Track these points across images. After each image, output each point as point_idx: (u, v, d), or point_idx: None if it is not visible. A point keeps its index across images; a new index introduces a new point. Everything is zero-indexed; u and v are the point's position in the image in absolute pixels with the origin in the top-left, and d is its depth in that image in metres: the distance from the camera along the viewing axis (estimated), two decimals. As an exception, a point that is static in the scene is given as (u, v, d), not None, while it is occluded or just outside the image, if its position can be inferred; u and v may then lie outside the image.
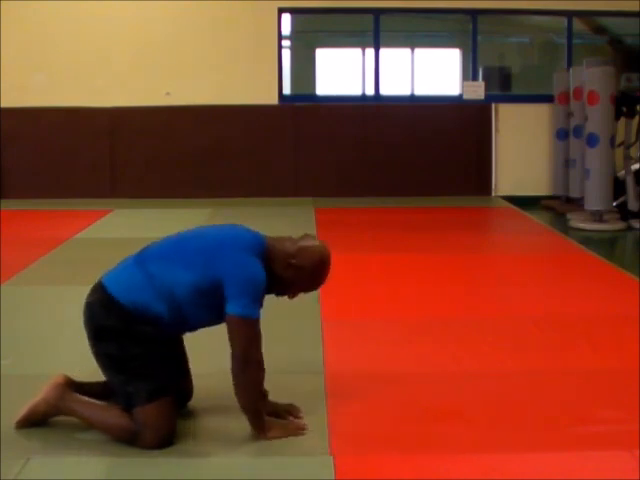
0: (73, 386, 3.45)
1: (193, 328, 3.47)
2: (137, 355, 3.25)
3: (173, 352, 3.47)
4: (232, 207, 9.63)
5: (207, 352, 4.46)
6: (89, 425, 3.35)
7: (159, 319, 3.28)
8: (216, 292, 3.25)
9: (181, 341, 3.59)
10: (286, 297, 3.56)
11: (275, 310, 5.36)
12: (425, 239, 7.81)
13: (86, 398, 3.39)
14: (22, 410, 3.41)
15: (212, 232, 3.48)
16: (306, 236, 3.53)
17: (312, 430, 3.40)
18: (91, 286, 3.41)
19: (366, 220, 8.95)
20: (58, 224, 8.64)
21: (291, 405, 3.58)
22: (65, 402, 3.37)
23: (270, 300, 5.59)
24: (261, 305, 3.34)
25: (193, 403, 3.72)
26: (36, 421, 3.40)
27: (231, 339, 3.24)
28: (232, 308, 3.22)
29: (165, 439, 3.24)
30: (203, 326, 3.47)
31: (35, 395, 3.43)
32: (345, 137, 10.45)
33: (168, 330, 3.35)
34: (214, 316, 3.34)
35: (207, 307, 3.32)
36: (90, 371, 3.51)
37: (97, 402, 3.40)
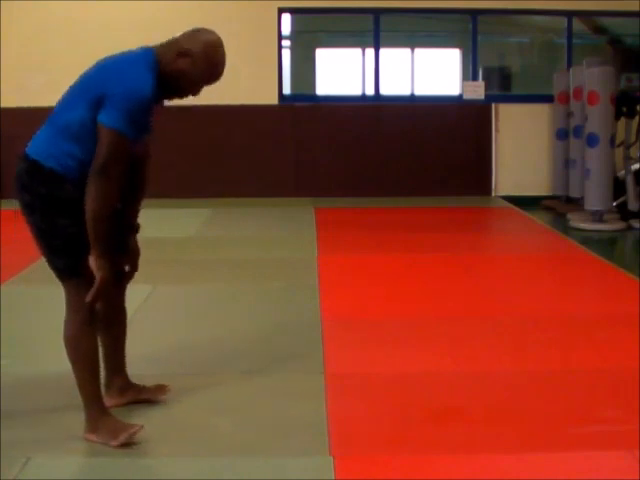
0: None
1: None
2: (62, 226, 3.20)
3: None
4: (232, 207, 9.64)
5: (195, 352, 4.46)
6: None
7: (77, 160, 3.20)
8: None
9: (126, 217, 3.50)
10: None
11: (275, 310, 5.40)
12: (425, 239, 7.81)
13: None
14: None
15: (103, 61, 3.36)
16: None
17: (312, 430, 3.40)
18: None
19: (366, 220, 8.95)
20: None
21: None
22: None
23: (270, 300, 5.62)
24: (145, 129, 3.29)
25: (191, 402, 3.72)
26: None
27: (97, 149, 3.13)
28: (102, 117, 3.12)
29: (87, 318, 3.24)
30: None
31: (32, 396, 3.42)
32: (345, 137, 10.45)
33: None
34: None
35: None
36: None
37: None
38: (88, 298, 3.19)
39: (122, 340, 3.64)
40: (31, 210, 3.26)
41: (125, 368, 3.67)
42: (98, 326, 3.37)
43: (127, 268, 3.56)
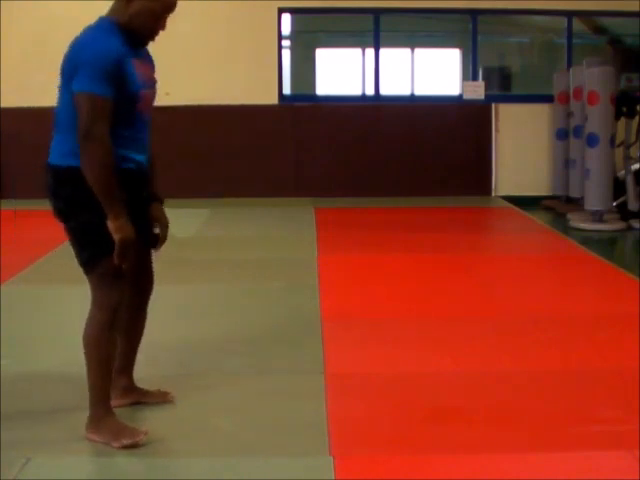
0: None
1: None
2: (84, 222, 3.28)
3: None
4: (232, 207, 9.63)
5: (195, 352, 4.46)
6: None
7: None
8: None
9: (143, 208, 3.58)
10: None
11: (275, 310, 5.40)
12: (425, 239, 7.81)
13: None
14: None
15: (68, 47, 3.47)
16: None
17: (312, 430, 3.40)
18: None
19: (366, 220, 8.95)
20: (58, 224, 8.63)
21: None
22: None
23: (270, 300, 5.62)
24: (140, 85, 3.33)
25: (191, 402, 3.71)
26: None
27: (78, 117, 3.21)
28: (74, 86, 3.24)
29: (110, 320, 3.28)
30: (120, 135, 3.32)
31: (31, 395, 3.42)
32: (345, 137, 10.45)
33: None
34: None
35: None
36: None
37: None
38: (115, 261, 3.22)
39: (136, 345, 3.67)
40: (60, 213, 3.36)
41: (132, 370, 3.67)
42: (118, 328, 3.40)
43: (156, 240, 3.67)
